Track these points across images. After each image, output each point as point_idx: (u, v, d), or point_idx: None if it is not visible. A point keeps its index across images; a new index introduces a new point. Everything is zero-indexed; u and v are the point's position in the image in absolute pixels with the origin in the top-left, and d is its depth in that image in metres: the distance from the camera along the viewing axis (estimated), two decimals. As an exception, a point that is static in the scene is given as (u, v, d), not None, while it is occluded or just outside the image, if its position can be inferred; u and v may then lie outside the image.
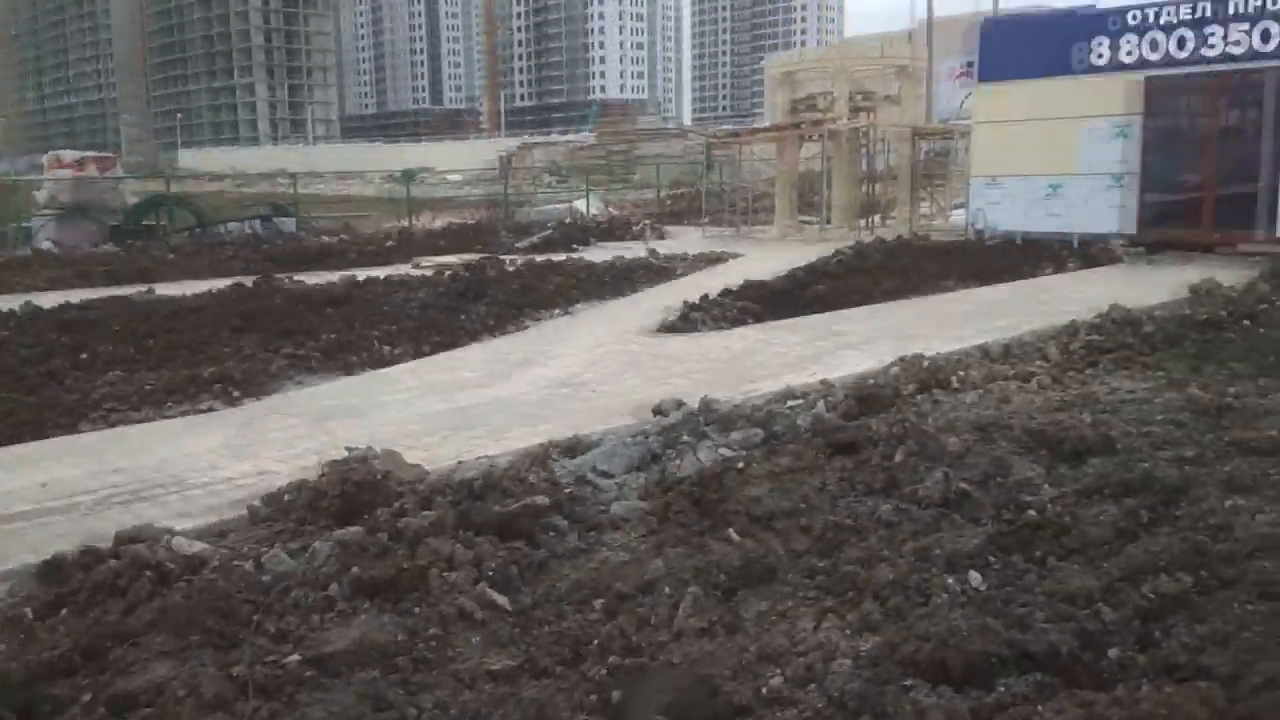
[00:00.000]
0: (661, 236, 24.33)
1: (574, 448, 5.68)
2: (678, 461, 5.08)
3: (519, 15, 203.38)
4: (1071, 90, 17.99)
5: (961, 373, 7.70)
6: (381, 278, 14.23)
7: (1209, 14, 16.52)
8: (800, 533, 4.49)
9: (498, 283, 13.25)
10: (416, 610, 3.58)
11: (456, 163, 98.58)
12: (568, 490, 4.68)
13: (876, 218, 24.37)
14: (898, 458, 5.19)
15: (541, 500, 4.25)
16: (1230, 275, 14.09)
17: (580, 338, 10.37)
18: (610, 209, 36.81)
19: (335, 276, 14.20)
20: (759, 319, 11.08)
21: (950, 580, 3.86)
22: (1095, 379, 7.82)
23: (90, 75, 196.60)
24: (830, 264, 14.82)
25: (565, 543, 4.21)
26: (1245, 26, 16.17)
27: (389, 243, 20.40)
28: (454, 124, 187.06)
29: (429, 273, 15.18)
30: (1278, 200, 16.19)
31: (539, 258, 17.61)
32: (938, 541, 4.17)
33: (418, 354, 9.51)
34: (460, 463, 5.28)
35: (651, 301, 12.74)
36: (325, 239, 21.77)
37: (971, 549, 4.13)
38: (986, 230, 19.42)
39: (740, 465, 5.08)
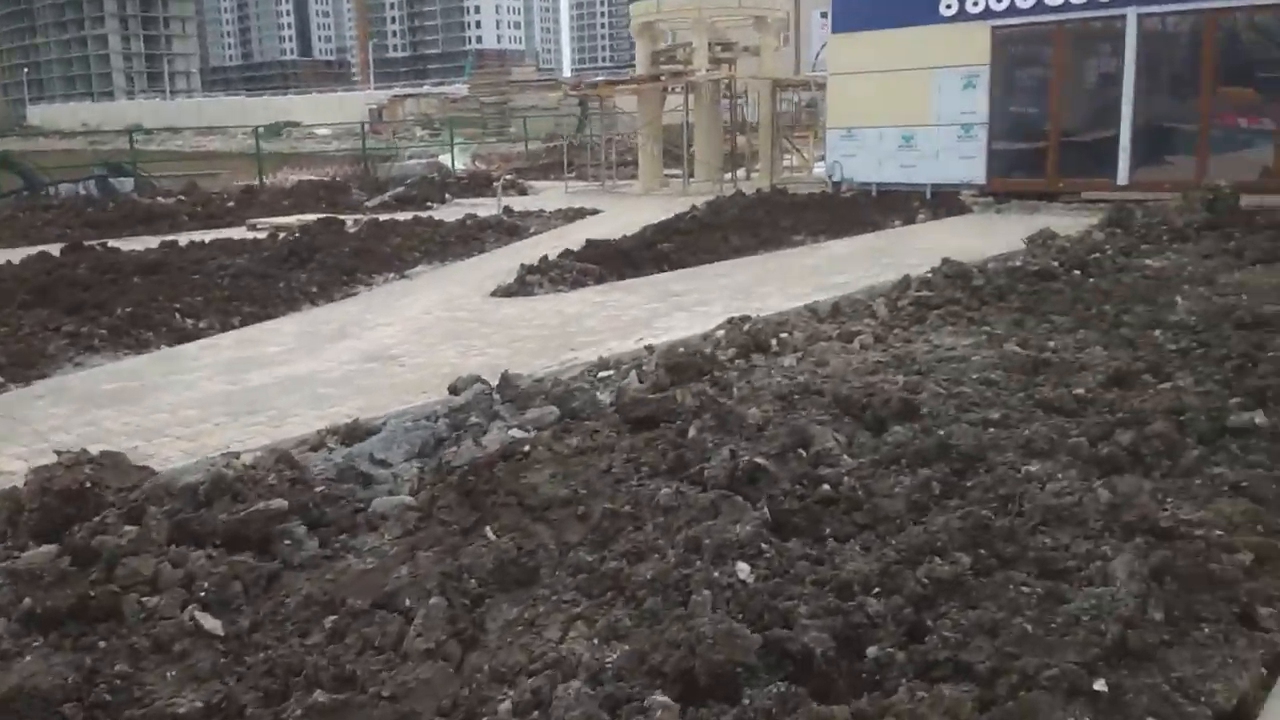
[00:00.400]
0: (524, 192, 23.76)
1: (353, 433, 5.24)
2: (454, 449, 4.69)
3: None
4: (922, 40, 18.01)
5: (785, 334, 7.49)
6: (207, 241, 13.39)
7: (1051, -36, 16.63)
8: (577, 523, 4.17)
9: (331, 245, 12.56)
10: (102, 644, 3.13)
11: (325, 116, 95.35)
12: (319, 489, 4.24)
13: (741, 171, 24.22)
14: (691, 433, 4.90)
15: (277, 504, 3.81)
16: (1070, 223, 14.33)
17: (408, 305, 9.86)
18: (478, 163, 35.96)
19: (156, 241, 13.28)
20: (600, 280, 10.73)
21: (716, 574, 3.58)
22: (919, 336, 7.70)
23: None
24: (683, 220, 14.53)
25: (304, 551, 3.79)
26: (1086, -25, 16.34)
27: (229, 203, 19.32)
28: (324, 75, 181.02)
29: (262, 235, 14.36)
30: (1119, 147, 16.51)
31: (384, 217, 16.89)
32: (710, 530, 3.89)
33: (225, 327, 8.86)
34: (209, 459, 4.79)
35: (495, 263, 12.27)
36: (162, 200, 20.52)
37: (746, 535, 3.86)
38: (843, 182, 19.42)
39: (525, 449, 4.73)
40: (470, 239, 14.53)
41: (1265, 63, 15.93)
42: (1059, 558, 3.79)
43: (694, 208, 15.90)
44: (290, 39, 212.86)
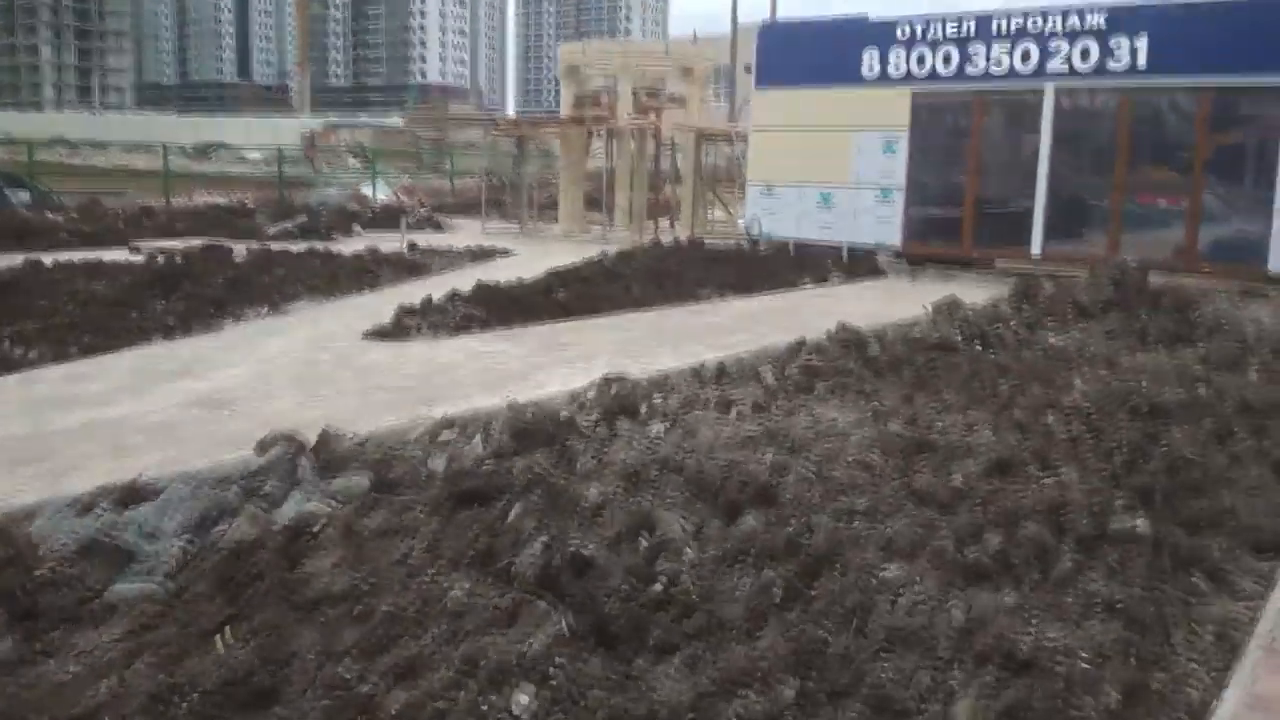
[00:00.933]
0: (440, 229, 23.12)
1: (131, 495, 4.55)
2: (222, 527, 4.03)
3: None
4: (843, 101, 17.87)
5: (659, 398, 6.95)
6: (75, 262, 12.52)
7: (973, 32, 16.63)
8: (351, 626, 3.53)
9: (208, 274, 11.79)
10: None
11: (258, 140, 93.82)
12: (41, 571, 3.55)
13: (665, 221, 23.87)
14: (511, 515, 4.31)
15: (-35, 593, 3.13)
16: (980, 293, 14.10)
17: (269, 344, 9.14)
18: (400, 196, 35.20)
19: (21, 259, 12.36)
20: (486, 326, 10.13)
21: (486, 703, 2.97)
22: (802, 408, 7.22)
23: None
24: (588, 268, 14.02)
25: (-8, 652, 3.10)
26: (1006, 46, 16.35)
27: (121, 223, 18.36)
28: (263, 100, 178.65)
29: (139, 259, 13.50)
30: (1033, 219, 16.44)
31: (280, 246, 16.11)
32: (495, 643, 3.28)
33: (59, 358, 8.06)
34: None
35: (382, 301, 11.56)
36: (50, 215, 19.47)
37: (537, 651, 3.27)
38: (761, 238, 19.13)
39: (316, 527, 4.09)
40: (365, 274, 13.82)
41: (1180, 142, 16.01)
42: (897, 694, 3.25)
43: (603, 255, 15.40)
44: (230, 61, 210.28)
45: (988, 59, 16.52)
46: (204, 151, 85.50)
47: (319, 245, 16.24)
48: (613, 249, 17.72)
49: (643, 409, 6.53)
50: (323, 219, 20.31)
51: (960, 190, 17.38)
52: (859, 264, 17.32)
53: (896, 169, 17.61)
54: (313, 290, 12.43)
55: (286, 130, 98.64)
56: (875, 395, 7.74)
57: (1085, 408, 7.36)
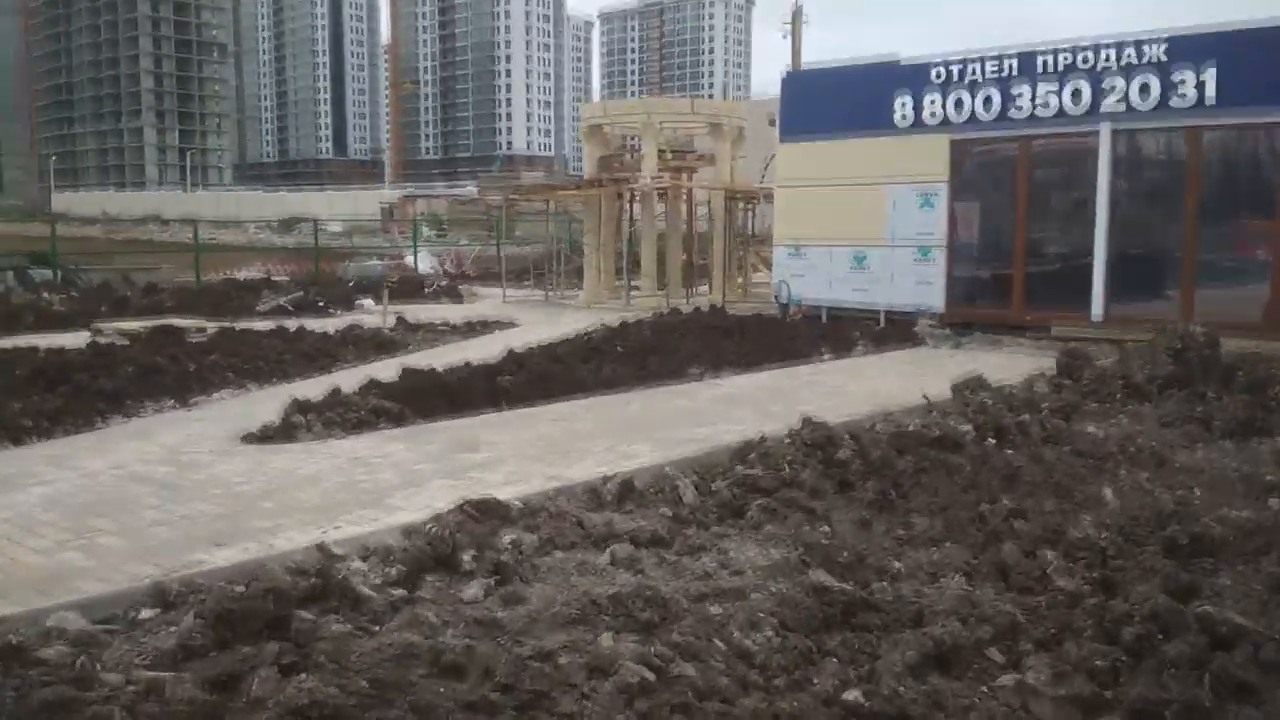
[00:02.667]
0: (459, 298, 21.85)
1: None
2: None
3: (426, 70, 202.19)
4: (875, 151, 16.12)
5: (517, 534, 5.26)
6: (7, 347, 11.47)
7: (1015, 71, 14.78)
8: None
9: (119, 363, 10.55)
10: None
11: (340, 212, 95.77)
12: None
13: (705, 287, 22.27)
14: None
15: None
16: (1028, 364, 12.15)
17: (123, 449, 7.72)
18: (446, 265, 34.35)
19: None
20: (399, 421, 8.57)
21: None
22: (715, 544, 5.44)
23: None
24: (566, 344, 12.45)
25: None
26: (1054, 86, 14.46)
27: (101, 305, 17.43)
28: (358, 174, 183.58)
29: (102, 340, 12.42)
30: (1092, 277, 14.37)
31: (258, 324, 14.93)
32: None
33: None
34: None
35: (321, 389, 10.07)
36: (45, 295, 18.75)
37: None
38: (791, 303, 17.35)
39: None
40: (324, 356, 12.47)
41: (1262, 185, 13.83)
42: None
43: (598, 327, 13.83)
44: (327, 138, 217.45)
45: (1033, 100, 14.64)
46: (288, 225, 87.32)
47: (300, 323, 14.98)
48: (631, 317, 16.15)
49: (468, 557, 4.83)
50: (350, 288, 19.18)
51: (1009, 246, 15.39)
52: (897, 331, 15.40)
53: (936, 224, 15.73)
54: (251, 376, 11.10)
55: (366, 202, 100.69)
56: (826, 520, 5.92)
57: (1101, 541, 5.42)
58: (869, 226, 16.31)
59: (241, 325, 14.81)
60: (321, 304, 18.63)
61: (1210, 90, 13.15)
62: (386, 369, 11.03)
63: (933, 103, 15.51)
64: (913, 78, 15.75)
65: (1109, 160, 14.13)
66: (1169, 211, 14.28)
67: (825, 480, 6.56)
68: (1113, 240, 14.23)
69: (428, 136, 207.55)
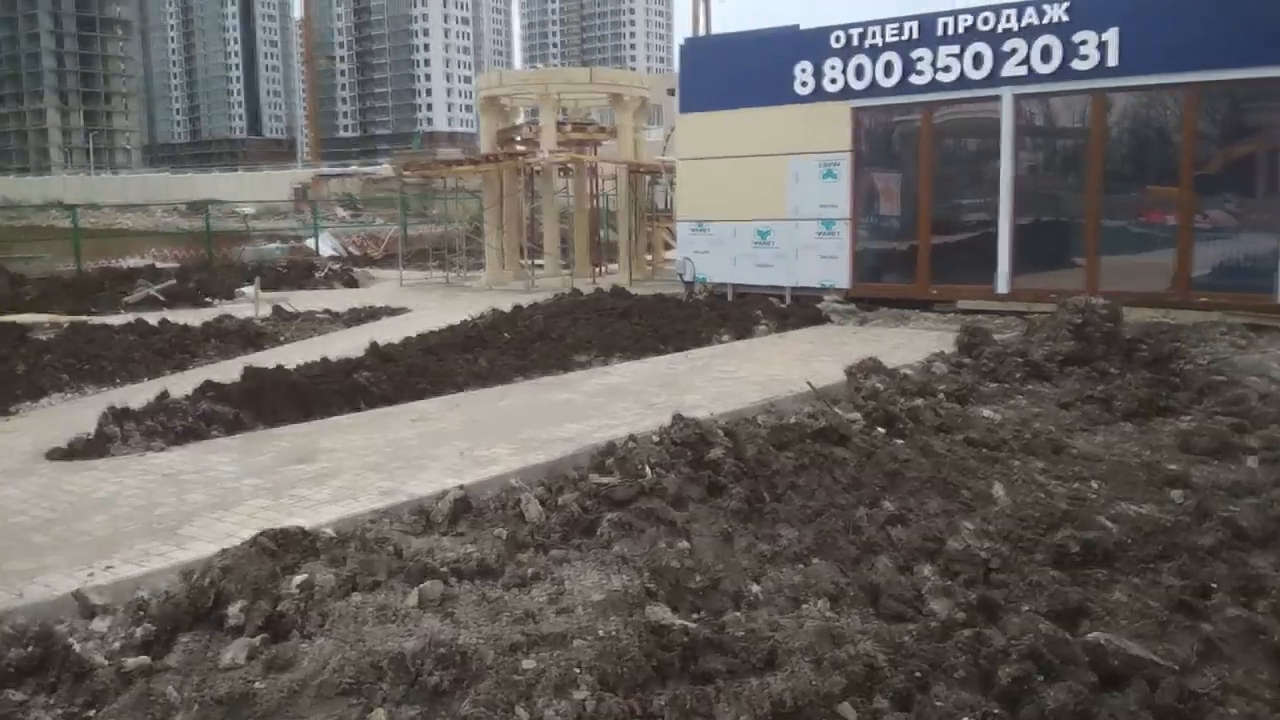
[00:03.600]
0: (353, 284, 20.83)
1: None
2: None
3: (341, 45, 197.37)
4: (776, 122, 15.48)
5: (302, 576, 4.48)
6: None
7: (916, 35, 14.22)
8: None
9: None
10: None
11: (251, 194, 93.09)
12: None
13: (606, 265, 21.52)
14: None
15: None
16: (932, 342, 11.63)
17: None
18: (349, 247, 33.16)
19: None
20: (235, 428, 7.71)
21: None
22: (551, 572, 4.74)
23: None
24: (442, 334, 11.63)
25: None
26: (955, 50, 13.92)
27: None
28: (274, 154, 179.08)
29: None
30: (997, 248, 13.93)
31: (116, 318, 13.83)
32: None
33: None
34: None
35: (159, 391, 9.14)
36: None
37: None
38: (695, 282, 16.69)
39: None
40: (181, 352, 11.49)
41: (1166, 150, 13.49)
42: None
43: (481, 315, 13.01)
44: (240, 117, 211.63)
45: (935, 65, 14.10)
46: (197, 209, 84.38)
47: (165, 315, 13.90)
48: (530, 300, 15.33)
49: (236, 609, 4.05)
50: (201, 282, 18.02)
51: (913, 219, 14.90)
52: (799, 310, 14.82)
53: (839, 197, 15.16)
54: (91, 378, 10.12)
55: (279, 183, 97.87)
56: (686, 533, 5.25)
57: (983, 552, 4.83)
58: (771, 201, 15.70)
59: (102, 319, 13.71)
60: (199, 293, 17.49)
61: (1113, 53, 12.73)
62: (253, 364, 10.11)
63: (833, 69, 14.91)
64: (813, 45, 15.12)
65: (1012, 127, 13.67)
66: (1073, 179, 13.90)
67: (692, 485, 5.88)
68: (1017, 210, 13.80)
69: (345, 114, 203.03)
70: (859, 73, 14.71)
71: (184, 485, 6.29)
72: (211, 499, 5.99)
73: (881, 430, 7.33)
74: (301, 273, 20.93)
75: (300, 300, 17.53)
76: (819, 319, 14.40)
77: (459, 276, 21.44)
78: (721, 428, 6.72)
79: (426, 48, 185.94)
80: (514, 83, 20.31)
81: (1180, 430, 7.20)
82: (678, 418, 6.67)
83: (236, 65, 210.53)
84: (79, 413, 8.63)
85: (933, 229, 14.63)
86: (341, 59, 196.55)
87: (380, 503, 5.75)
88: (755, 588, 4.61)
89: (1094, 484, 6.14)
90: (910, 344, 12.02)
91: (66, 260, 25.89)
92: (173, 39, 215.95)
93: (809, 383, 8.15)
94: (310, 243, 32.02)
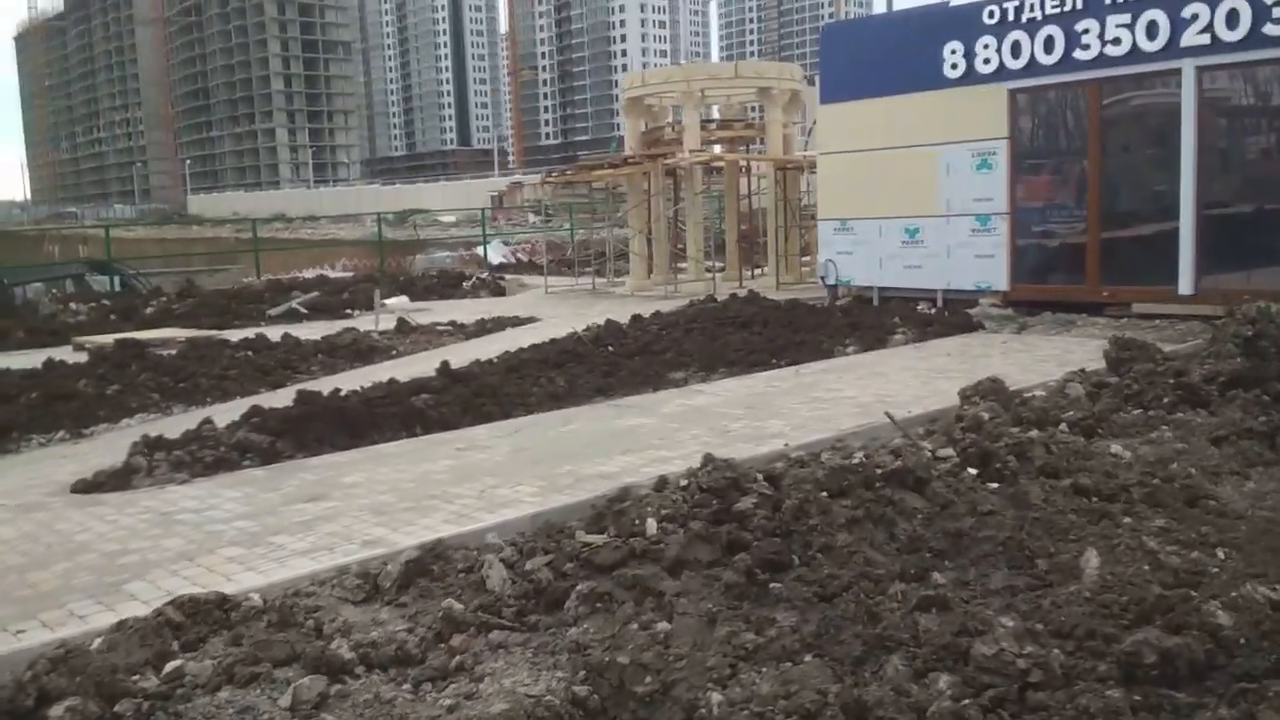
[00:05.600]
0: (499, 292, 20.67)
1: None
2: None
3: (544, 56, 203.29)
4: (925, 109, 14.13)
5: (172, 664, 3.86)
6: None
7: (1080, 5, 12.56)
8: None
9: (64, 378, 9.71)
10: None
11: (452, 203, 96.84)
12: None
13: (756, 269, 20.53)
14: None
15: None
16: (1091, 354, 10.11)
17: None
18: (517, 254, 33.47)
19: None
20: (271, 458, 7.31)
21: None
22: (486, 660, 3.95)
23: (120, 124, 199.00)
24: (538, 350, 11.02)
25: None
26: (1125, 19, 12.20)
27: (112, 315, 16.83)
28: (482, 164, 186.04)
29: (73, 356, 11.70)
30: (1179, 243, 12.12)
31: (226, 334, 14.00)
32: None
33: None
34: None
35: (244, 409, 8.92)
36: (64, 306, 18.36)
37: None
38: (839, 285, 15.51)
39: None
40: (284, 369, 11.38)
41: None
42: None
43: (588, 328, 12.36)
44: (451, 129, 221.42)
45: (1102, 38, 12.41)
46: (402, 217, 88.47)
47: (288, 330, 13.97)
48: (667, 307, 14.58)
49: (61, 711, 3.44)
50: (351, 293, 18.20)
51: (1081, 212, 13.20)
52: (950, 315, 13.42)
53: (996, 190, 13.64)
54: (182, 397, 10.08)
55: (478, 191, 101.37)
56: (670, 610, 4.33)
57: (1021, 660, 3.68)
58: (921, 196, 14.32)
59: (230, 334, 13.91)
60: (347, 305, 17.67)
61: (1315, 12, 10.77)
62: (350, 381, 9.84)
63: (986, 48, 13.42)
64: (963, 22, 13.68)
65: (1194, 105, 11.83)
66: (1270, 162, 11.91)
67: (703, 545, 4.94)
68: (1202, 200, 11.94)
69: (547, 123, 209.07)
70: (1015, 50, 13.17)
71: (172, 527, 5.86)
72: (187, 546, 5.52)
73: (973, 471, 6.12)
74: (451, 282, 20.94)
75: (440, 310, 17.43)
76: (970, 326, 12.99)
77: (607, 283, 20.92)
78: (761, 470, 5.73)
79: (624, 54, 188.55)
80: (656, 81, 19.61)
81: (1363, 478, 5.66)
82: (708, 458, 5.72)
83: (448, 80, 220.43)
84: (134, 436, 8.47)
85: (1103, 223, 12.91)
86: (544, 69, 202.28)
87: (348, 558, 5.11)
88: (717, 697, 3.66)
89: (1221, 553, 4.80)
90: (1064, 357, 10.53)
91: (254, 271, 27.15)
92: (389, 57, 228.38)
93: (886, 413, 6.99)
94: (480, 250, 32.48)
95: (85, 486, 6.78)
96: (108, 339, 13.21)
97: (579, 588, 4.49)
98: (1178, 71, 11.85)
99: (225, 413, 8.69)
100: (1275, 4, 10.91)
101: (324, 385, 9.69)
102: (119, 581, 5.02)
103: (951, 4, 14.03)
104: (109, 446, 8.37)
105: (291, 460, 7.35)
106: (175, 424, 9.03)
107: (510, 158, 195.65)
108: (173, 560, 5.30)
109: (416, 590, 4.64)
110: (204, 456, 7.09)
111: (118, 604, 4.70)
